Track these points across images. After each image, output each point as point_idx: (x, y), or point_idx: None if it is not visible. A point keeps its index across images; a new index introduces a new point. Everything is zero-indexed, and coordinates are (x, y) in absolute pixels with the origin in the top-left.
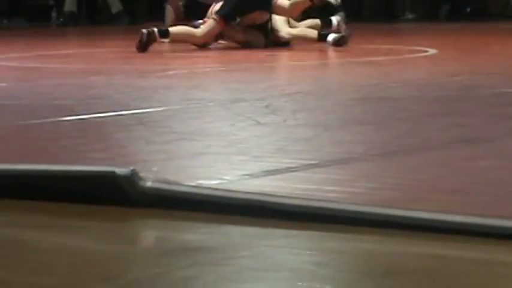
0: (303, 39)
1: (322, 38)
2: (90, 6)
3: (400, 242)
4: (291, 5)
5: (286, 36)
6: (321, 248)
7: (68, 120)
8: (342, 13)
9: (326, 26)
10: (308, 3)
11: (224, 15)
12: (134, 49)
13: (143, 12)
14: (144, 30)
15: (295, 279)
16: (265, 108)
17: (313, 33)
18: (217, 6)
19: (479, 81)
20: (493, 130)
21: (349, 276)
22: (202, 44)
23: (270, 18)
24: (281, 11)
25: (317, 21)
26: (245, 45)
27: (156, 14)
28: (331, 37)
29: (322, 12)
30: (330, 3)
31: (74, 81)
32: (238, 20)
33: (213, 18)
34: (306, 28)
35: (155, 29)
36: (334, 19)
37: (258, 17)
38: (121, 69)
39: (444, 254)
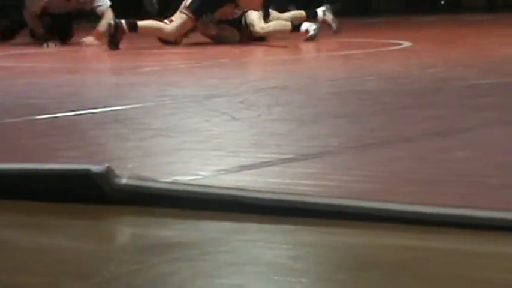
0: (277, 33)
1: (296, 29)
2: None
3: (376, 234)
4: None
5: (261, 31)
6: (297, 242)
7: (42, 119)
8: (327, 5)
9: (312, 17)
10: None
11: (195, 10)
12: (107, 47)
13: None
14: (112, 22)
15: (272, 273)
16: (240, 103)
17: (287, 25)
18: (187, 2)
19: (453, 73)
20: (467, 121)
21: (325, 269)
22: (173, 40)
23: (244, 14)
24: (246, 4)
25: (302, 12)
26: (219, 40)
27: (130, 10)
28: (304, 27)
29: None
30: None
31: (47, 80)
32: (210, 15)
33: (184, 13)
34: (280, 21)
35: (123, 21)
36: (320, 10)
37: (230, 11)
38: (95, 67)
39: (419, 245)
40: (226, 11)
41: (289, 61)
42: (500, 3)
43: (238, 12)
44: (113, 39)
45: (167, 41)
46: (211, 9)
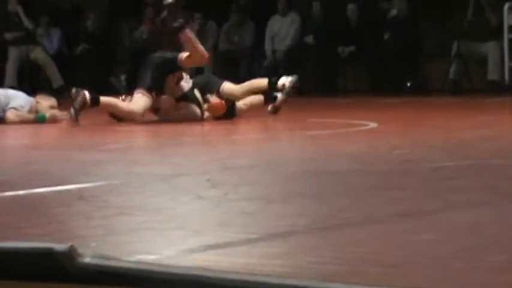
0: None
1: (269, 99)
2: (31, 81)
3: None
4: (187, 57)
5: (243, 107)
6: None
7: (6, 196)
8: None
9: (270, 102)
10: (203, 62)
11: (146, 86)
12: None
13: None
14: (74, 89)
15: None
16: (207, 182)
17: (261, 99)
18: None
19: (419, 154)
20: (433, 204)
21: None
22: (131, 118)
23: (194, 87)
24: (190, 63)
25: (260, 97)
26: (182, 118)
27: (97, 88)
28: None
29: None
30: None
31: (14, 157)
32: (161, 87)
33: (139, 92)
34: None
35: (86, 92)
36: (279, 95)
37: (179, 75)
38: (62, 144)
39: None
40: (176, 77)
41: (256, 140)
42: (466, 87)
43: (186, 76)
44: (77, 110)
45: (120, 117)
46: (158, 82)
